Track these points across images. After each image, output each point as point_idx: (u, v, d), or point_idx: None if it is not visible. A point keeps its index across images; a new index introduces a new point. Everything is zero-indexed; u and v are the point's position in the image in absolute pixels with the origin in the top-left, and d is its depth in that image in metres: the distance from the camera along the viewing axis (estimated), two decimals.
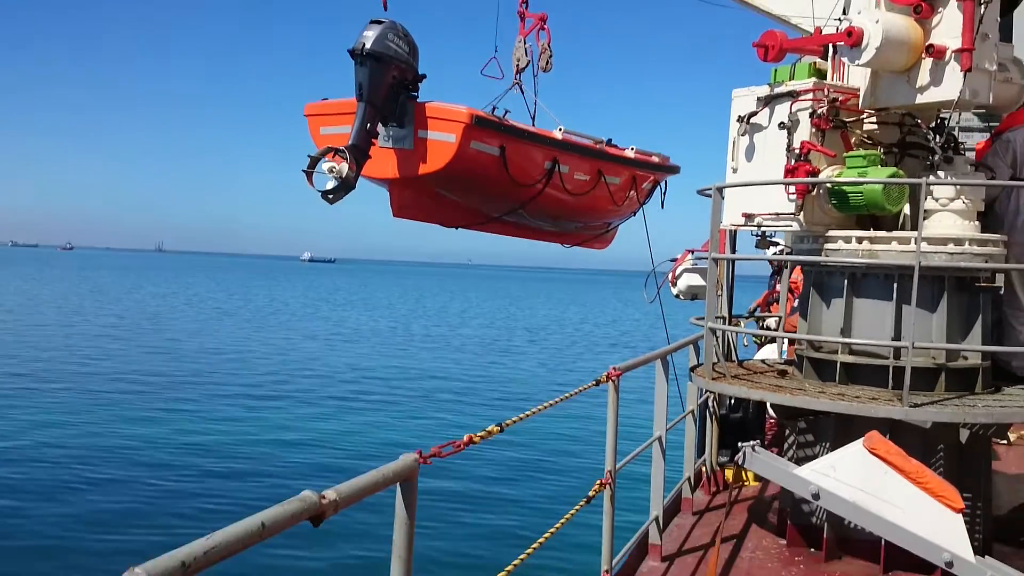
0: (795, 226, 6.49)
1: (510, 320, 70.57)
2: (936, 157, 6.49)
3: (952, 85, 5.91)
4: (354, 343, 45.46)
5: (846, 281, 6.47)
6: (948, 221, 6.29)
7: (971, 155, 7.17)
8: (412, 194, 8.37)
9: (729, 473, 8.52)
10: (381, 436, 20.44)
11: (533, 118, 9.17)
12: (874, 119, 6.79)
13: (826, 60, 6.78)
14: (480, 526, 14.34)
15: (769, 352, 9.82)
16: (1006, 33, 6.79)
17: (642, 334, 56.28)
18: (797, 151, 6.32)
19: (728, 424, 8.62)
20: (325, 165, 7.30)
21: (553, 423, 21.94)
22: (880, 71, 6.38)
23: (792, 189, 6.30)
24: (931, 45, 6.04)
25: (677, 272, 9.98)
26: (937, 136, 6.49)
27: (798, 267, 9.34)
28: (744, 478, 8.50)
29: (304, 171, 7.40)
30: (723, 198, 6.71)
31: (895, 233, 6.30)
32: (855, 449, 3.96)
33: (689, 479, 7.83)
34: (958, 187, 6.25)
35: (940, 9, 6.12)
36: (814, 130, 6.37)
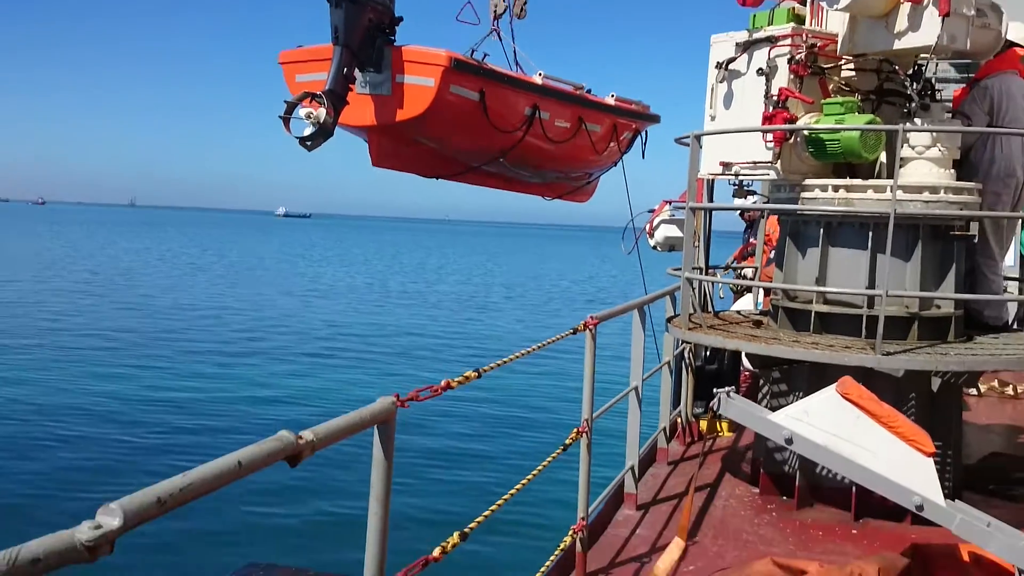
0: (772, 175, 6.49)
1: (487, 276, 70.49)
2: (913, 104, 6.49)
3: (930, 30, 5.89)
4: (330, 299, 45.25)
5: (822, 230, 6.49)
6: (924, 169, 6.31)
7: (948, 104, 7.17)
8: (391, 142, 8.25)
9: (704, 424, 8.60)
10: (357, 393, 20.37)
11: (516, 64, 9.02)
12: (852, 66, 6.77)
13: (805, 5, 6.74)
14: (456, 479, 14.44)
15: (745, 304, 9.88)
16: None
17: (619, 290, 56.41)
18: (775, 98, 6.30)
19: (703, 375, 8.69)
20: (302, 111, 7.18)
21: (529, 379, 22.05)
22: (858, 16, 6.34)
23: (770, 137, 6.28)
24: None
25: (654, 223, 9.96)
26: (914, 83, 6.48)
27: (773, 219, 9.37)
28: (718, 429, 8.59)
29: (281, 117, 7.28)
30: (701, 147, 6.68)
31: (871, 181, 6.31)
32: (828, 394, 3.99)
33: (664, 430, 7.89)
34: (934, 135, 6.26)
35: None
36: (792, 76, 6.35)
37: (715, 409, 4.05)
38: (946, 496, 3.95)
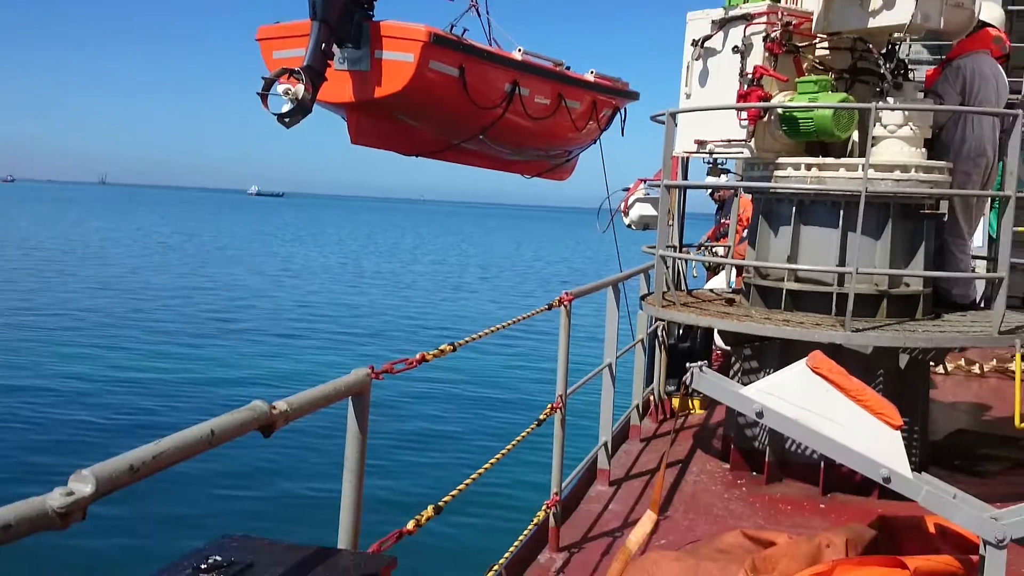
0: (746, 153, 6.51)
1: (462, 257, 70.37)
2: (886, 83, 6.54)
3: (904, 9, 5.92)
4: (303, 279, 44.98)
5: (794, 209, 6.54)
6: (895, 148, 6.36)
7: (920, 83, 7.23)
8: (370, 119, 8.17)
9: (676, 401, 8.67)
10: (331, 373, 20.21)
11: (490, 39, 8.95)
12: (826, 44, 6.79)
13: None
14: (431, 454, 14.48)
15: (717, 283, 9.93)
16: None
17: (594, 271, 56.53)
18: (750, 76, 6.31)
19: (676, 353, 8.75)
20: (280, 87, 7.10)
21: (504, 359, 22.12)
22: None
23: (744, 115, 6.31)
24: None
25: (629, 202, 9.96)
26: (888, 62, 6.53)
27: (746, 198, 9.42)
28: (690, 406, 8.67)
29: (259, 93, 7.19)
30: (676, 124, 6.69)
31: (843, 160, 6.36)
32: (799, 368, 4.03)
33: (637, 407, 7.96)
34: (906, 114, 6.31)
35: None
36: (767, 54, 6.37)
37: (688, 383, 4.07)
38: (913, 471, 4.02)
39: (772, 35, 6.37)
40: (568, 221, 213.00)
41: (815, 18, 6.56)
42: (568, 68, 9.29)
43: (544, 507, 5.07)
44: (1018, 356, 6.20)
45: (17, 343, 22.65)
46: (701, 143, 6.76)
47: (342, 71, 7.70)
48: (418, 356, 3.25)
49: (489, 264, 62.94)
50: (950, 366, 10.64)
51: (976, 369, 10.77)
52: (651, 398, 8.56)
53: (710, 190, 10.51)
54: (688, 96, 6.99)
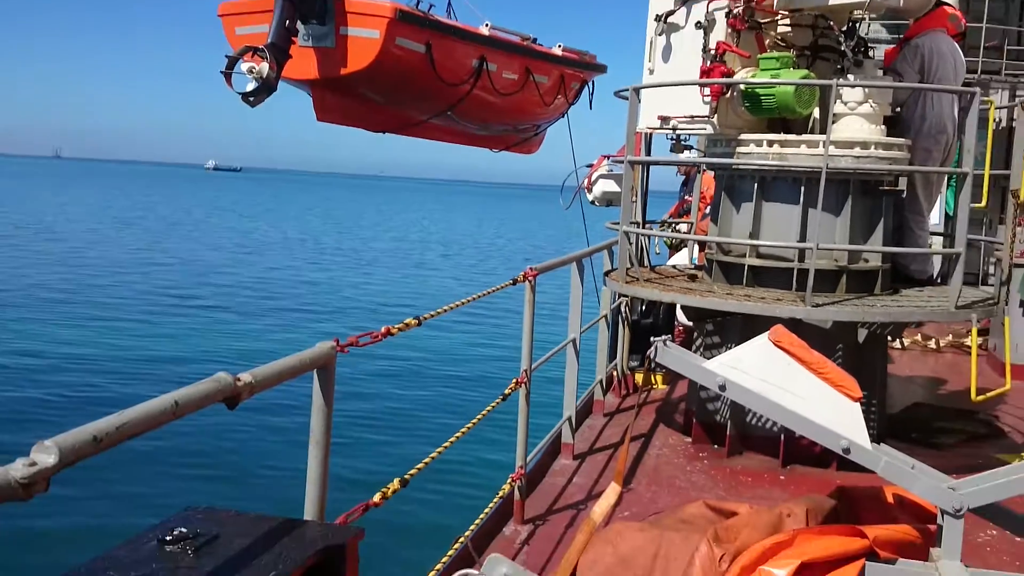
0: (709, 129, 6.54)
1: (423, 234, 70.09)
2: (847, 61, 6.59)
3: None
4: (261, 255, 44.54)
5: (756, 185, 6.59)
6: (855, 125, 6.42)
7: (880, 61, 7.30)
8: (336, 96, 8.07)
9: (639, 377, 8.74)
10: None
11: (450, 12, 8.87)
12: (788, 21, 6.83)
13: None
14: (397, 427, 14.52)
15: (680, 259, 10.00)
16: None
17: (555, 248, 56.62)
18: (713, 52, 6.33)
19: (639, 329, 8.81)
20: (244, 66, 6.97)
21: (467, 337, 22.11)
22: None
23: (707, 91, 6.32)
24: None
25: (592, 178, 9.98)
26: (848, 40, 6.58)
27: (709, 176, 9.47)
28: (653, 381, 8.74)
29: (223, 72, 7.05)
30: (640, 100, 6.69)
31: (804, 137, 6.42)
32: (760, 342, 4.07)
33: (601, 382, 8.01)
34: (866, 91, 6.37)
35: None
36: (730, 30, 6.39)
37: (652, 357, 4.10)
38: (871, 442, 4.10)
39: (735, 11, 6.38)
40: (530, 198, 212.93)
41: None
42: (536, 41, 9.25)
43: (509, 481, 5.09)
44: (974, 331, 6.33)
45: None
46: (664, 119, 6.77)
47: (307, 48, 7.59)
48: (383, 330, 3.24)
49: (450, 241, 62.78)
50: (907, 341, 10.84)
51: (932, 344, 10.98)
52: (614, 373, 8.61)
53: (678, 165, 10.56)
54: (651, 72, 6.99)
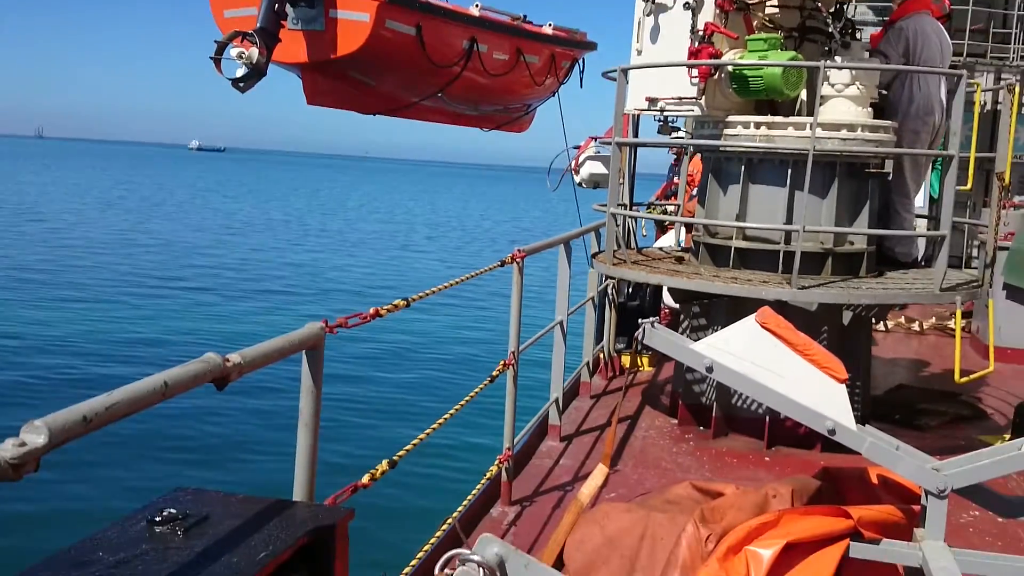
0: (697, 111, 6.53)
1: (409, 215, 69.89)
2: (834, 43, 6.59)
3: None
4: (246, 236, 44.30)
5: (743, 167, 6.59)
6: (842, 107, 6.43)
7: (867, 43, 7.31)
8: (326, 79, 8.01)
9: (626, 359, 8.77)
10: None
11: None
12: (775, 2, 6.82)
13: None
14: (386, 409, 14.53)
15: (667, 241, 10.02)
16: None
17: (541, 231, 56.60)
18: (701, 33, 6.31)
19: (625, 311, 8.83)
20: (234, 51, 6.89)
21: (453, 320, 22.09)
22: None
23: (695, 72, 6.31)
24: None
25: (580, 160, 9.95)
26: (836, 22, 6.58)
27: (697, 157, 9.48)
28: (639, 364, 8.77)
29: (212, 58, 6.97)
30: (627, 81, 6.67)
31: (791, 119, 6.42)
32: (748, 324, 4.08)
33: (588, 364, 8.02)
34: (853, 73, 6.38)
35: None
36: (718, 11, 6.37)
37: (639, 338, 4.11)
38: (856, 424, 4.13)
39: None
40: (516, 179, 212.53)
41: None
42: (527, 19, 9.21)
43: (497, 462, 5.10)
44: (957, 313, 6.37)
45: None
46: (652, 100, 6.76)
47: (296, 31, 7.52)
48: (371, 311, 3.23)
49: (436, 223, 62.65)
50: (890, 323, 10.91)
51: (916, 326, 11.05)
52: (601, 356, 8.64)
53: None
54: (639, 53, 6.97)
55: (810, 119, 6.00)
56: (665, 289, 8.15)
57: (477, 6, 8.46)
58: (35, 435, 1.52)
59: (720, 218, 6.73)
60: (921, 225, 8.28)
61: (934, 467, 3.73)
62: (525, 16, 9.20)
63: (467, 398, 4.51)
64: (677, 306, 7.70)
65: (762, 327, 4.11)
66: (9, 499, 9.19)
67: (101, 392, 1.77)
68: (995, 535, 4.97)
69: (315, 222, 56.75)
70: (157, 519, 2.05)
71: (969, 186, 7.00)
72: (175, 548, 1.96)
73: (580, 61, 10.22)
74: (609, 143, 7.10)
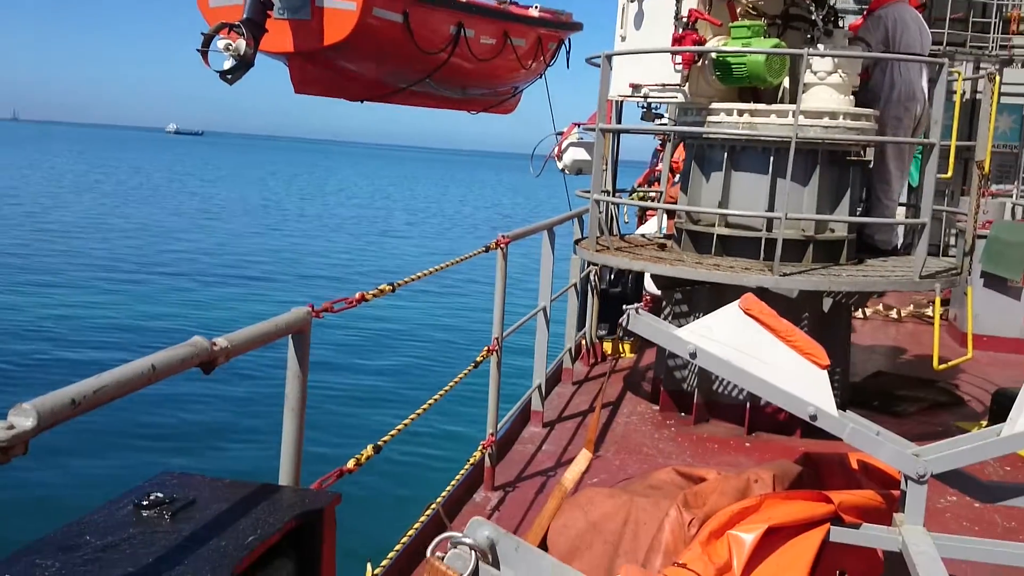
0: (680, 98, 6.53)
1: (388, 201, 69.63)
2: (817, 30, 6.61)
3: None
4: (223, 220, 43.99)
5: (726, 154, 6.61)
6: (824, 95, 6.45)
7: (850, 32, 7.33)
8: (313, 68, 7.96)
9: (608, 346, 8.79)
10: (252, 318, 19.75)
11: None
12: None
13: None
14: (371, 394, 14.53)
15: (649, 228, 10.03)
16: None
17: (522, 217, 56.54)
18: (684, 19, 6.30)
19: (607, 298, 8.85)
20: (220, 43, 6.81)
21: (432, 306, 22.06)
22: None
23: (678, 59, 6.31)
24: None
25: (563, 146, 9.95)
26: (819, 9, 6.59)
27: (680, 146, 9.50)
28: (620, 350, 8.79)
29: (199, 50, 6.88)
30: (611, 67, 6.66)
31: (774, 106, 6.43)
32: (731, 310, 4.08)
33: (570, 350, 8.04)
34: (835, 61, 6.40)
35: None
36: None
37: (624, 324, 4.11)
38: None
39: None
40: (496, 166, 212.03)
41: None
42: (513, 1, 9.20)
43: (480, 448, 5.11)
44: (937, 301, 6.43)
45: None
46: (636, 87, 6.75)
47: (282, 20, 7.46)
48: (357, 296, 3.22)
49: (416, 208, 62.48)
50: (869, 311, 11.00)
51: (894, 314, 11.15)
52: (583, 342, 8.65)
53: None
54: (623, 39, 6.96)
55: (793, 107, 6.02)
56: (647, 275, 8.18)
57: None
58: (23, 418, 1.51)
59: (703, 205, 6.75)
60: (900, 213, 8.34)
61: (914, 453, 3.77)
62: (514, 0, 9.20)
63: (451, 384, 4.51)
64: (659, 293, 7.71)
65: (746, 313, 4.13)
66: None
67: (77, 378, 1.76)
68: (972, 520, 5.03)
69: (293, 207, 56.47)
70: (144, 503, 2.05)
71: (950, 174, 7.05)
72: (163, 532, 1.95)
73: (566, 42, 10.23)
74: (592, 129, 7.09)
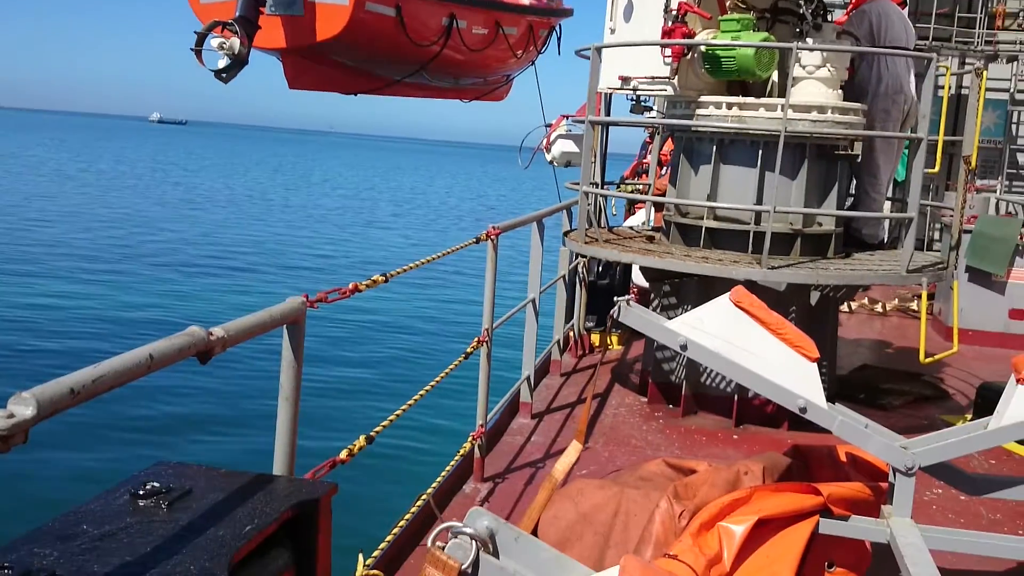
0: (669, 91, 6.54)
1: (374, 192, 69.42)
2: (806, 24, 6.63)
3: None
4: (207, 211, 43.73)
5: (714, 147, 6.62)
6: (813, 89, 6.48)
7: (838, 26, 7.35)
8: (307, 63, 7.94)
9: (596, 337, 8.81)
10: (238, 307, 19.85)
11: None
12: None
13: None
14: (363, 385, 14.52)
15: (637, 220, 10.05)
16: None
17: (507, 209, 56.52)
18: (674, 12, 6.31)
19: (595, 290, 8.86)
20: (214, 41, 6.75)
21: (423, 301, 22.03)
22: None
23: (668, 52, 6.31)
24: None
25: (551, 138, 9.96)
26: (807, 3, 6.61)
27: (668, 138, 9.51)
28: (608, 342, 8.80)
29: (192, 49, 6.83)
30: (601, 60, 6.66)
31: (763, 100, 6.46)
32: (722, 302, 4.11)
33: (558, 342, 8.05)
34: (824, 55, 6.42)
35: None
36: None
37: (615, 316, 4.13)
38: None
39: None
40: (482, 157, 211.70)
41: None
42: None
43: (470, 439, 5.11)
44: (923, 295, 6.47)
45: None
46: (625, 79, 6.75)
47: (275, 16, 7.41)
48: (351, 286, 3.22)
49: (401, 199, 62.34)
50: (854, 305, 11.06)
51: (879, 308, 11.22)
52: (571, 334, 8.66)
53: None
54: (613, 31, 6.96)
55: (781, 100, 6.04)
56: (635, 268, 8.20)
57: None
58: (23, 407, 1.50)
59: (691, 198, 6.77)
60: (886, 208, 8.39)
61: (902, 445, 3.80)
62: None
63: (442, 374, 4.51)
64: (647, 285, 7.74)
65: (736, 306, 4.14)
66: None
67: (58, 368, 1.76)
68: (957, 512, 5.08)
69: (278, 197, 56.19)
70: (140, 493, 2.04)
71: (937, 169, 7.10)
72: (160, 522, 1.94)
73: (557, 28, 10.26)
74: (581, 121, 7.10)
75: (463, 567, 1.90)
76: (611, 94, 7.60)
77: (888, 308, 11.22)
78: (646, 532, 3.77)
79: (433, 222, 47.68)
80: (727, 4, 6.76)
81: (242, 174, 79.11)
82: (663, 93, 6.75)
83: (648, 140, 11.48)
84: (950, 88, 11.94)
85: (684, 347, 4.18)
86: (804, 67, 6.48)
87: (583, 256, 8.01)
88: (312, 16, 7.36)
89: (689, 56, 6.43)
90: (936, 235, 13.77)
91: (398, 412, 3.74)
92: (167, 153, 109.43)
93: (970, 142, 6.50)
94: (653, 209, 9.15)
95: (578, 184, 6.86)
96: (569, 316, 8.65)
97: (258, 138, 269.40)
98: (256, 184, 67.23)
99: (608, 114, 8.22)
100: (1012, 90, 14.66)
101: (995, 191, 13.03)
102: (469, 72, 9.41)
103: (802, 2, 6.71)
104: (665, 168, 9.41)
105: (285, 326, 2.68)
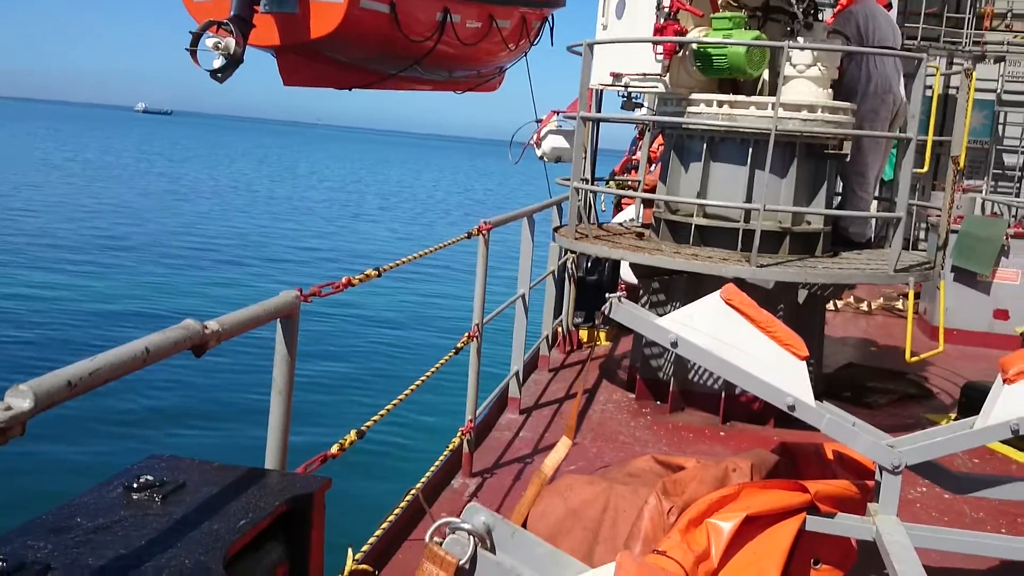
0: (660, 88, 6.55)
1: (361, 185, 69.22)
2: (797, 23, 6.66)
3: None
4: (192, 202, 43.49)
5: (705, 145, 6.64)
6: (803, 88, 6.50)
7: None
8: (301, 60, 7.91)
9: (584, 333, 8.83)
10: (228, 299, 19.78)
11: None
12: None
13: None
14: (354, 380, 14.49)
15: (626, 217, 10.07)
16: None
17: (495, 204, 56.48)
18: (667, 9, 6.32)
19: (584, 286, 8.88)
20: (209, 41, 6.71)
21: (411, 296, 22.00)
22: None
23: (660, 49, 6.32)
24: None
25: (542, 134, 9.96)
26: (799, 2, 6.64)
27: (659, 135, 9.53)
28: (596, 338, 8.83)
29: (188, 49, 6.77)
30: (592, 56, 6.67)
31: (754, 98, 6.48)
32: (712, 300, 4.12)
33: (547, 338, 8.06)
34: (815, 54, 6.44)
35: None
36: None
37: (606, 313, 4.14)
38: None
39: None
40: (467, 151, 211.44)
41: None
42: None
43: (459, 434, 5.12)
44: (911, 294, 6.51)
45: None
46: (617, 76, 6.76)
47: (269, 14, 7.38)
48: (344, 280, 3.21)
49: (388, 192, 62.20)
50: (840, 303, 11.12)
51: (864, 307, 11.28)
52: (559, 330, 8.68)
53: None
54: (605, 27, 6.97)
55: (772, 99, 6.06)
56: (624, 264, 8.21)
57: None
58: (20, 399, 1.49)
59: (681, 195, 6.78)
60: (873, 207, 8.43)
61: (889, 443, 3.83)
62: None
63: (433, 369, 4.51)
64: (636, 281, 7.75)
65: (727, 304, 4.16)
66: None
67: (44, 360, 1.75)
68: (941, 511, 5.12)
69: (263, 189, 55.95)
70: (134, 486, 2.04)
71: (925, 169, 7.14)
72: (154, 515, 1.94)
73: (550, 19, 10.28)
74: (572, 117, 7.10)
75: (461, 563, 1.90)
76: (602, 90, 7.61)
77: (873, 307, 11.29)
78: (635, 528, 3.78)
79: (420, 216, 47.60)
80: (719, 2, 6.78)
81: (227, 165, 78.70)
82: (654, 90, 6.76)
83: (638, 136, 11.50)
84: (940, 88, 12.01)
85: (675, 344, 4.19)
86: (795, 66, 6.51)
87: (573, 252, 8.02)
88: (307, 13, 7.34)
89: (681, 53, 6.45)
90: (922, 234, 13.85)
91: (389, 407, 3.74)
92: (152, 143, 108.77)
93: (959, 143, 6.54)
94: (642, 206, 9.17)
95: (569, 180, 6.86)
96: (558, 312, 8.66)
97: (244, 129, 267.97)
98: (241, 175, 66.90)
99: (599, 110, 8.23)
100: (999, 91, 14.76)
101: (981, 191, 13.12)
102: (463, 65, 9.43)
103: (793, 1, 6.74)
104: (654, 164, 9.43)
105: (279, 320, 2.68)
